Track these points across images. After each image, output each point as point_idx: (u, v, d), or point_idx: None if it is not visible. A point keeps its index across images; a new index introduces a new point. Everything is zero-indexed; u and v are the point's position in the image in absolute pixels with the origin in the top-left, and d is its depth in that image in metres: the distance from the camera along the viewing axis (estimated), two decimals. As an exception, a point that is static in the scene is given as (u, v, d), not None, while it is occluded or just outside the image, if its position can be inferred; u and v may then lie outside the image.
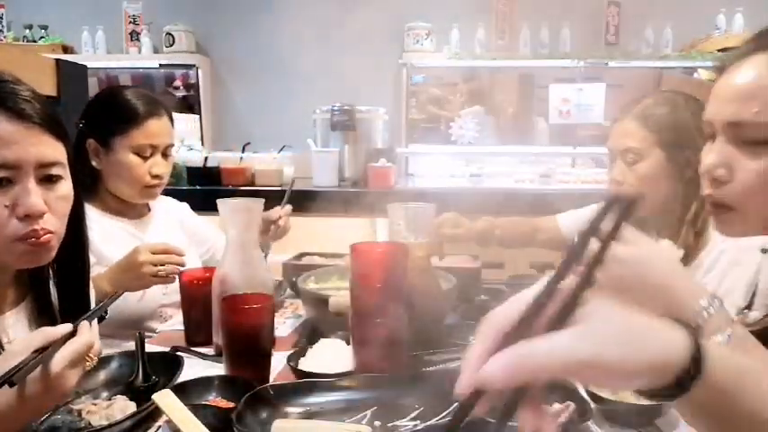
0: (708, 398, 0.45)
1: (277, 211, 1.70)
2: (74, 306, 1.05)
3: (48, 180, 0.92)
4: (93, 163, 1.54)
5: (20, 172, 0.88)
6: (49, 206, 0.92)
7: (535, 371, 0.40)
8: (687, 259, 1.38)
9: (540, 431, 0.43)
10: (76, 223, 1.03)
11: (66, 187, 0.96)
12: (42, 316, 1.02)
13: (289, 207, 1.73)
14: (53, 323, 0.86)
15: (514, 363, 0.40)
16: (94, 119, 1.56)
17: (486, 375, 0.40)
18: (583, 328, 0.42)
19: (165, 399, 0.86)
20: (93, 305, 1.12)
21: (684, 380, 0.44)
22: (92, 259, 1.47)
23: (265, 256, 1.68)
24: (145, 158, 1.54)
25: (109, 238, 1.53)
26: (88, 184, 1.55)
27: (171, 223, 1.73)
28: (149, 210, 1.68)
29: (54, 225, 0.93)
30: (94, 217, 1.54)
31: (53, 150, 0.92)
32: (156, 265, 1.35)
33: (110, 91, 1.73)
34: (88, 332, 0.79)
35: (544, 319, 0.43)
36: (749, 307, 0.92)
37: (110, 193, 1.59)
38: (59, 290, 1.05)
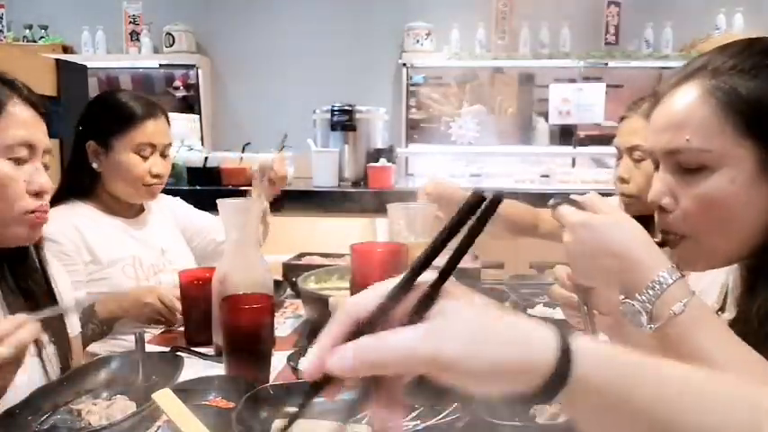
0: (587, 399, 0.43)
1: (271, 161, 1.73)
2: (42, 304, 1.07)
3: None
4: (94, 164, 1.55)
5: (34, 153, 0.99)
6: None
7: (377, 363, 0.40)
8: None
9: (385, 427, 0.43)
10: None
11: (48, 176, 1.04)
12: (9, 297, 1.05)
13: (283, 153, 1.77)
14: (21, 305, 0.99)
15: (358, 354, 0.40)
16: (93, 121, 1.58)
17: (332, 363, 0.40)
18: (429, 324, 0.41)
19: (164, 398, 0.86)
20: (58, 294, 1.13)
21: (552, 382, 0.41)
22: (86, 257, 1.48)
23: (264, 234, 1.71)
24: (145, 158, 1.55)
25: (105, 237, 1.54)
26: (86, 185, 1.57)
27: (166, 220, 1.74)
28: (144, 209, 1.69)
29: (46, 206, 1.02)
30: (92, 216, 1.56)
31: (49, 141, 1.04)
32: (158, 312, 1.39)
33: (107, 94, 1.78)
34: (32, 328, 0.83)
35: (401, 312, 0.42)
36: (722, 309, 0.92)
37: (107, 193, 1.59)
38: (17, 273, 1.08)
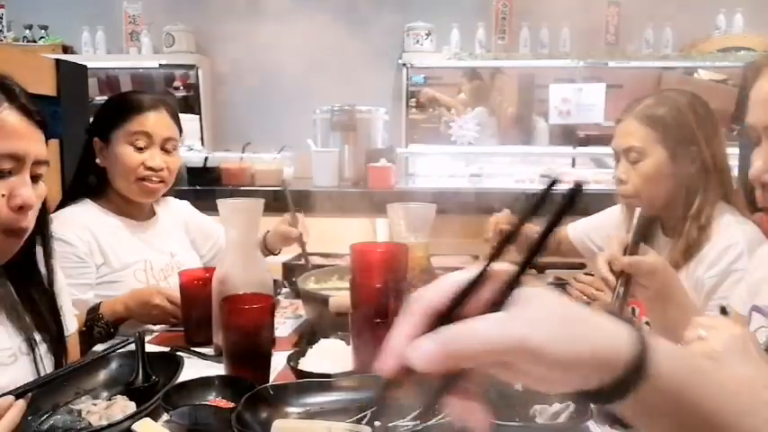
0: (656, 397, 0.42)
1: (293, 230, 1.70)
2: (37, 303, 1.07)
3: (33, 177, 0.96)
4: (98, 161, 1.56)
5: (21, 165, 0.92)
6: None
7: (463, 352, 0.38)
8: (689, 253, 1.40)
9: (468, 424, 0.41)
10: (43, 221, 1.05)
11: (43, 187, 0.99)
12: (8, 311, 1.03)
13: (299, 216, 1.73)
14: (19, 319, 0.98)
15: (442, 343, 0.38)
16: (99, 118, 1.60)
17: (413, 356, 0.38)
18: (514, 310, 0.39)
19: (145, 428, 0.86)
20: (62, 304, 1.12)
21: (629, 376, 0.40)
22: (99, 260, 1.48)
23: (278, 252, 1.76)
24: (140, 150, 1.54)
25: (117, 240, 1.54)
26: (95, 183, 1.58)
27: (176, 225, 1.74)
28: (154, 212, 1.68)
29: (31, 221, 0.96)
30: (103, 217, 1.55)
31: (45, 151, 0.97)
32: (167, 312, 1.37)
33: (118, 94, 1.81)
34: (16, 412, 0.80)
35: (477, 302, 0.41)
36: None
37: (116, 193, 1.59)
38: (19, 286, 1.06)
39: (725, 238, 1.38)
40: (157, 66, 3.94)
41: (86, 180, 1.58)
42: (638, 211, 1.17)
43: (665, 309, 0.98)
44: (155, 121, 1.56)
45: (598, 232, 1.75)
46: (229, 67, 4.01)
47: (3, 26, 3.89)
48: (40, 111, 0.97)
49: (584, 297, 1.46)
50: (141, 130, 1.54)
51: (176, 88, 4.06)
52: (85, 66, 2.45)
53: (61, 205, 1.56)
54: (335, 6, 3.82)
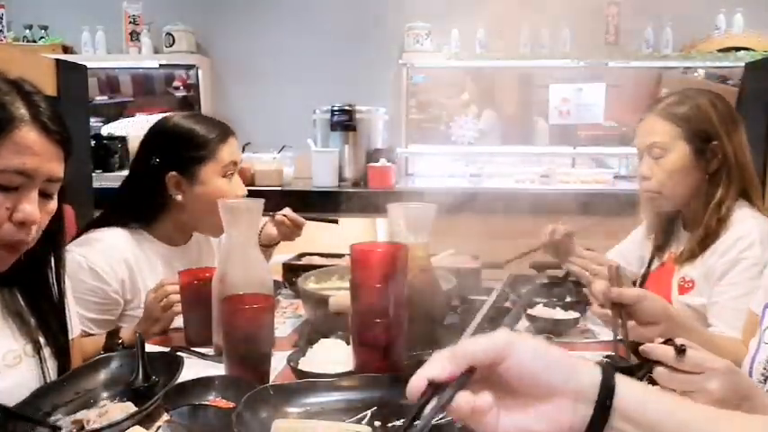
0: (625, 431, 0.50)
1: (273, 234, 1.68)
2: (45, 311, 1.07)
3: (44, 194, 0.95)
4: (178, 197, 1.49)
5: (31, 181, 0.92)
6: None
7: (464, 354, 0.51)
8: (706, 243, 1.45)
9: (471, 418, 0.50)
10: (57, 236, 1.05)
11: (54, 204, 0.99)
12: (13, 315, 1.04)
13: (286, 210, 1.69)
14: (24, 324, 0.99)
15: (449, 351, 0.51)
16: (172, 151, 1.49)
17: (430, 370, 0.50)
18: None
19: None
20: (68, 315, 1.13)
21: (598, 410, 0.49)
22: (128, 296, 1.44)
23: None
24: (230, 179, 1.51)
25: (152, 273, 1.49)
26: (151, 214, 1.52)
27: (207, 240, 1.70)
28: (191, 235, 1.63)
29: (34, 237, 0.95)
30: (142, 243, 1.50)
31: (61, 169, 0.97)
32: (160, 301, 1.33)
33: (177, 121, 1.56)
34: None
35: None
36: None
37: (171, 224, 1.54)
38: (27, 295, 1.06)
39: (739, 229, 1.42)
40: (157, 66, 3.94)
41: (141, 210, 1.51)
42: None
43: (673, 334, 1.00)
44: (236, 145, 1.54)
45: (627, 256, 1.79)
46: (229, 67, 4.01)
47: (3, 26, 3.89)
48: (62, 130, 0.95)
49: (586, 273, 1.48)
50: (232, 160, 1.51)
51: (176, 88, 4.06)
52: (85, 66, 2.45)
53: (98, 223, 1.51)
54: (335, 6, 3.82)
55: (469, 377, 0.51)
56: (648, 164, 1.50)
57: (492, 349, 0.50)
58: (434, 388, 0.50)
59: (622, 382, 0.50)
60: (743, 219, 1.44)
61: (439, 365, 0.50)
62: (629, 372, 0.95)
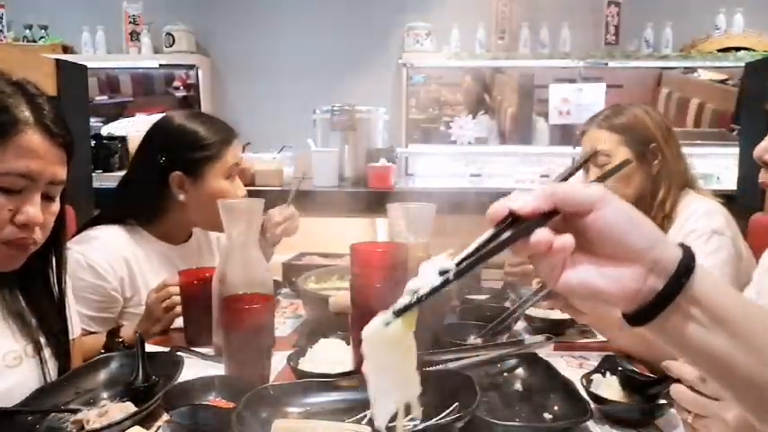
0: (690, 315, 0.49)
1: (277, 213, 1.65)
2: (45, 311, 1.07)
3: (46, 196, 0.96)
4: (181, 197, 1.49)
5: (34, 184, 0.92)
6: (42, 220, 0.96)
7: (556, 195, 0.49)
8: None
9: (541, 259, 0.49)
10: (58, 236, 1.06)
11: (56, 206, 1.00)
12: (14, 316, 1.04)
13: (291, 209, 1.67)
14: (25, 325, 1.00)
15: (543, 189, 0.49)
16: (177, 152, 1.49)
17: (518, 200, 0.50)
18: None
19: None
20: (69, 315, 1.13)
21: (675, 280, 0.48)
22: (128, 293, 1.44)
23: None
24: (231, 181, 1.51)
25: (152, 272, 1.49)
26: (152, 212, 1.51)
27: (207, 240, 1.70)
28: (191, 234, 1.64)
29: (39, 237, 0.96)
30: (140, 241, 1.50)
31: (63, 172, 0.97)
32: (162, 302, 1.33)
33: (181, 121, 1.54)
34: None
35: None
36: None
37: (171, 221, 1.54)
38: (28, 295, 1.06)
39: (686, 211, 1.59)
40: (157, 66, 3.94)
41: (141, 208, 1.51)
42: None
43: None
44: (239, 146, 1.53)
45: None
46: (229, 68, 4.01)
47: (3, 26, 3.89)
48: (65, 133, 0.96)
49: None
50: (235, 162, 1.51)
51: (176, 88, 4.06)
52: (85, 66, 2.46)
53: (96, 221, 1.51)
54: (335, 6, 3.82)
55: (551, 218, 0.49)
56: (595, 173, 1.64)
57: (584, 197, 0.48)
58: (514, 220, 0.49)
59: (701, 268, 0.49)
60: (688, 203, 1.60)
61: (523, 199, 0.49)
62: (651, 384, 0.95)
